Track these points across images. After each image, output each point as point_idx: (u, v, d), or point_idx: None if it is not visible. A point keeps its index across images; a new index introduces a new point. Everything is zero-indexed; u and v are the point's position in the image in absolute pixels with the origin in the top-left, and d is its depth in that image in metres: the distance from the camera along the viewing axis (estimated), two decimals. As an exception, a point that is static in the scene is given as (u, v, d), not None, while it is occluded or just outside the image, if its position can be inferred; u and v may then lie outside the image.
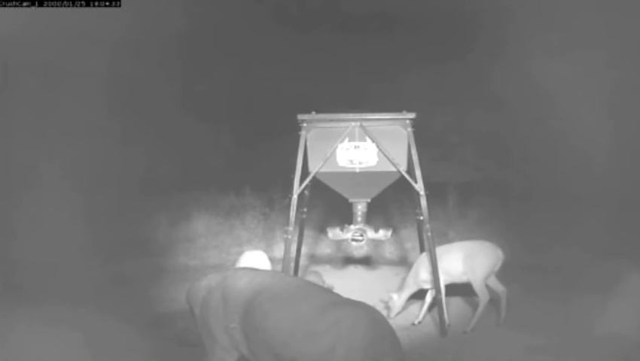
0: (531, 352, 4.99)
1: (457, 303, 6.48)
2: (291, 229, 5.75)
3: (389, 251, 8.96)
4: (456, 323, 5.87)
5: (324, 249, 9.06)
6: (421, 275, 6.03)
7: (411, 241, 8.77)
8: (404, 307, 6.33)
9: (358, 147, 5.71)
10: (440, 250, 5.92)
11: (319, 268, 8.05)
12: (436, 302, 5.74)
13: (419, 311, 6.09)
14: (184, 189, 9.23)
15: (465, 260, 5.83)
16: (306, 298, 3.45)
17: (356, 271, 8.39)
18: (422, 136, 5.80)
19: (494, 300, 5.86)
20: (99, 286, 6.53)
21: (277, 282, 3.65)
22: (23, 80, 7.84)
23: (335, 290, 6.78)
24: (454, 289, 6.12)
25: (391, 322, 3.42)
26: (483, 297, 5.74)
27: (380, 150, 5.65)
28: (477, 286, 5.77)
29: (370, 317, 3.28)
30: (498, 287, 5.86)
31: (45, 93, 8.02)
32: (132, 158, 8.60)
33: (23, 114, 7.91)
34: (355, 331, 3.16)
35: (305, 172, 5.79)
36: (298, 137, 5.80)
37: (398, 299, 6.18)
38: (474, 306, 6.00)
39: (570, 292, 6.16)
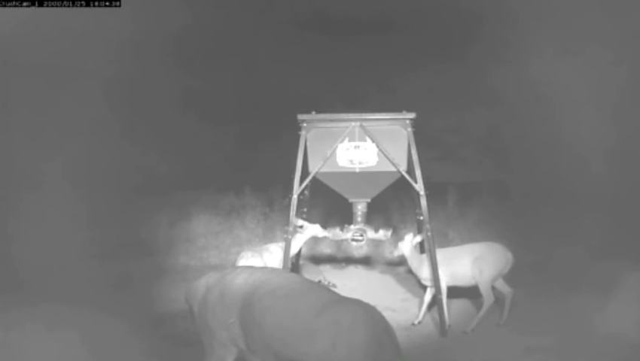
0: (531, 352, 4.97)
1: (457, 303, 6.46)
2: (291, 229, 5.75)
3: (389, 251, 8.93)
4: (456, 323, 5.86)
5: (324, 249, 9.05)
6: (423, 273, 5.98)
7: (411, 241, 8.75)
8: (404, 308, 6.33)
9: (358, 147, 5.70)
10: (448, 254, 5.88)
11: (319, 268, 8.06)
12: (436, 302, 5.74)
13: (419, 311, 6.08)
14: (184, 189, 9.23)
15: (474, 263, 5.74)
16: (304, 296, 3.45)
17: (356, 271, 8.38)
18: (422, 136, 5.79)
19: (498, 300, 5.83)
20: (99, 286, 6.51)
21: (275, 278, 3.67)
22: (23, 80, 7.84)
23: (336, 288, 6.82)
24: (455, 290, 6.11)
25: (390, 321, 3.42)
26: (488, 299, 5.69)
27: (380, 150, 5.64)
28: (483, 287, 5.71)
29: (369, 315, 3.27)
30: (505, 288, 5.82)
31: (45, 93, 8.01)
32: (133, 157, 8.62)
33: (23, 114, 7.91)
34: (354, 329, 3.16)
35: (305, 172, 5.78)
36: (298, 137, 5.79)
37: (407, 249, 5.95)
38: (475, 306, 5.99)
39: (570, 292, 6.15)
